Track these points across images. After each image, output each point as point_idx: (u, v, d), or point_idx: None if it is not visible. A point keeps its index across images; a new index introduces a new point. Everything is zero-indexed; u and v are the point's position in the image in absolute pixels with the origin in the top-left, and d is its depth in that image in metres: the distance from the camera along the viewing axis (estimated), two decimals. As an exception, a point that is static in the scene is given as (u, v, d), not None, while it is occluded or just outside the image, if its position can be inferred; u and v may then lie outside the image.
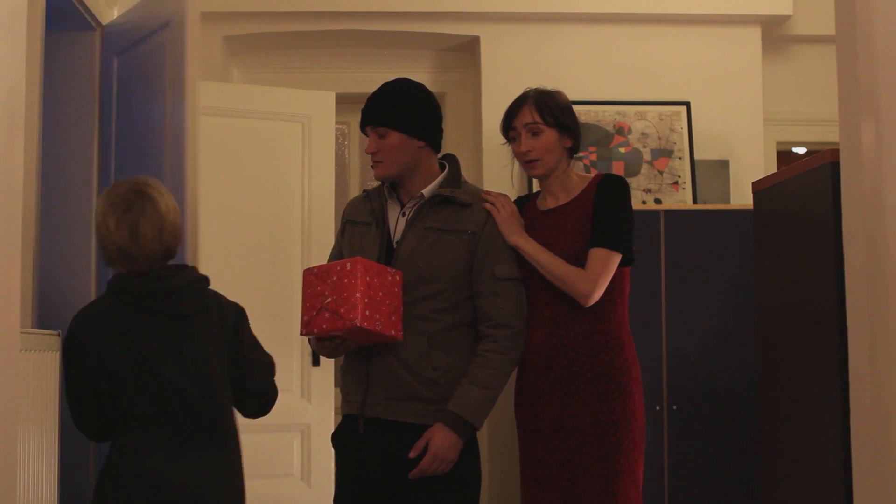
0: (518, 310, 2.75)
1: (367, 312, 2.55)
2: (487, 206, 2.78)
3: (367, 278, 2.57)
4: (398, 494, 2.68)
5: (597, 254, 2.72)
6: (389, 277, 2.64)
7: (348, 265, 2.59)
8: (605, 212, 2.75)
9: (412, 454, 2.64)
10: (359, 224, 2.83)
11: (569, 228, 2.77)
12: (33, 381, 2.58)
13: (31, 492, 2.53)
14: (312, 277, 2.67)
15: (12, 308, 2.05)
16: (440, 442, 2.64)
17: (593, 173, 2.92)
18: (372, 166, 2.81)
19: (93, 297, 3.52)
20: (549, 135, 2.81)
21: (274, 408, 4.25)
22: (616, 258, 2.74)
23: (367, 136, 2.80)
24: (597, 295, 2.71)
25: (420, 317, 2.68)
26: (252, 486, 4.28)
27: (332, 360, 4.36)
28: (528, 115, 2.81)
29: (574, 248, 2.74)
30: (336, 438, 2.84)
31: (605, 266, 2.71)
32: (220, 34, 4.78)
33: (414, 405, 2.67)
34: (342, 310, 2.55)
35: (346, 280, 2.57)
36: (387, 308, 2.61)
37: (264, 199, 4.37)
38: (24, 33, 2.13)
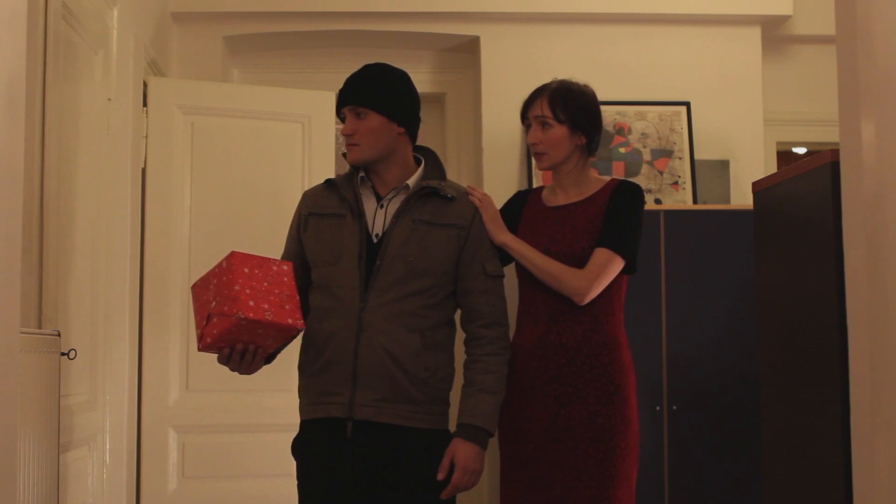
0: (505, 307, 2.73)
1: (251, 303, 2.39)
2: (475, 200, 2.73)
3: (246, 269, 2.43)
4: (380, 501, 2.60)
5: (600, 253, 2.71)
6: (275, 268, 2.49)
7: (224, 262, 2.45)
8: (616, 216, 2.74)
9: (441, 475, 2.57)
10: (327, 216, 2.70)
11: (579, 227, 2.75)
12: (33, 381, 2.58)
13: (30, 493, 2.53)
14: (198, 290, 2.49)
15: (12, 308, 2.04)
16: (465, 455, 2.58)
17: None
18: (344, 153, 2.71)
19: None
20: (558, 130, 2.79)
21: (274, 408, 4.28)
22: (617, 262, 2.72)
23: (342, 118, 2.68)
24: (592, 294, 2.69)
25: (410, 313, 2.59)
26: (252, 486, 4.31)
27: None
28: (539, 108, 2.81)
29: (582, 245, 2.73)
30: (302, 446, 2.71)
31: (605, 267, 2.70)
32: (220, 34, 4.78)
33: (405, 407, 2.58)
34: (226, 308, 2.38)
35: (224, 278, 2.42)
36: (276, 297, 2.45)
37: (264, 200, 4.36)
38: (24, 30, 2.12)
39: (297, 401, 4.52)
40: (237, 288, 2.38)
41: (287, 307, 2.45)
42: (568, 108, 2.78)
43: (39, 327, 2.90)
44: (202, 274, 2.54)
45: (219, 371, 4.23)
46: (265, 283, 2.44)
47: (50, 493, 2.68)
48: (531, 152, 2.86)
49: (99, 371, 3.57)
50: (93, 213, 3.54)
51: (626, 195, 2.78)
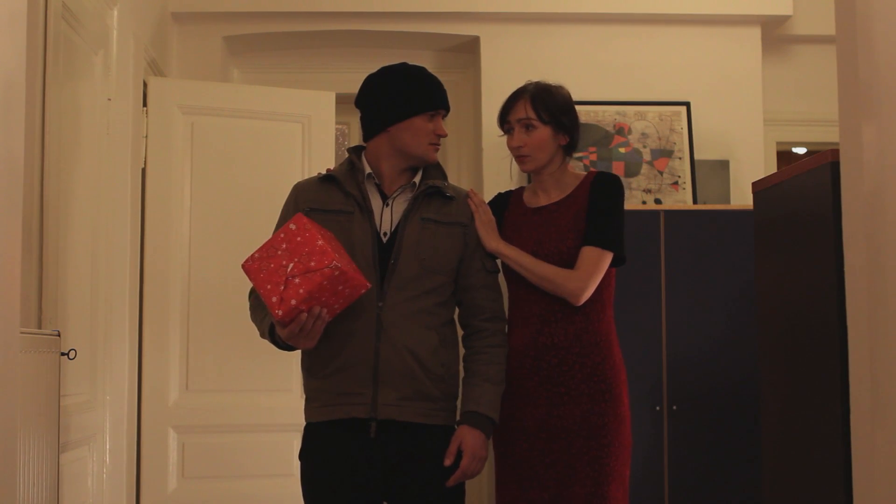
0: (503, 302, 2.79)
1: (337, 254, 2.41)
2: (471, 205, 2.76)
3: (315, 227, 2.45)
4: (401, 499, 2.63)
5: (589, 252, 2.72)
6: (326, 232, 2.52)
7: (292, 225, 2.44)
8: (598, 210, 2.74)
9: (448, 461, 2.60)
10: (332, 213, 2.68)
11: (563, 226, 2.76)
12: (33, 381, 2.58)
13: (30, 493, 2.53)
14: (257, 263, 2.46)
15: (12, 308, 2.04)
16: (473, 442, 2.61)
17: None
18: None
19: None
20: (543, 132, 2.79)
21: (274, 408, 4.28)
22: (608, 258, 2.73)
23: (431, 118, 2.70)
24: (587, 293, 2.70)
25: (425, 311, 2.63)
26: (252, 486, 4.32)
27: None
28: (522, 111, 2.80)
29: (568, 245, 2.74)
30: (316, 449, 2.66)
31: (596, 265, 2.71)
32: (220, 34, 4.78)
33: (425, 405, 2.61)
34: (312, 263, 2.37)
35: (298, 238, 2.41)
36: (344, 256, 2.49)
37: (264, 200, 4.36)
38: (24, 30, 2.12)
39: (297, 401, 4.52)
40: (321, 243, 2.39)
41: (353, 265, 2.48)
42: (550, 109, 2.78)
43: (39, 327, 2.90)
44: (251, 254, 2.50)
45: (218, 371, 4.26)
46: (333, 242, 2.48)
47: (50, 492, 2.68)
48: (513, 156, 2.84)
49: (99, 371, 3.58)
50: (93, 213, 3.54)
51: (605, 188, 2.78)
